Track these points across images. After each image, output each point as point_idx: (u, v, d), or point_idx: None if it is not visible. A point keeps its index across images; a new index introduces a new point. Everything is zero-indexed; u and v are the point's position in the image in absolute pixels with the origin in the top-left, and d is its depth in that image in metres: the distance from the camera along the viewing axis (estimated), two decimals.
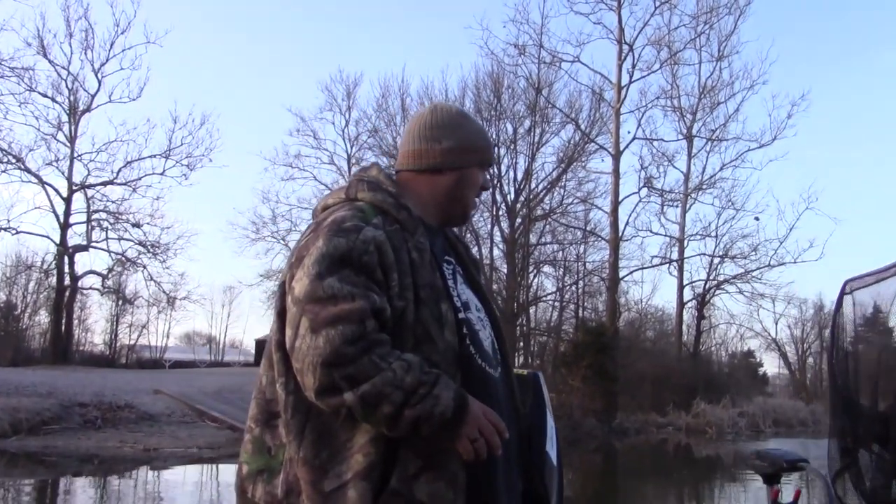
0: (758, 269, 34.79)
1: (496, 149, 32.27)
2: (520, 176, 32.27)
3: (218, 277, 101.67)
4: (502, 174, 32.39)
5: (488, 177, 2.10)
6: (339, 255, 1.71)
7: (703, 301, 37.12)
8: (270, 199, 38.45)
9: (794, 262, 33.52)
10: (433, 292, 1.80)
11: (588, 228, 34.12)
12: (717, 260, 35.69)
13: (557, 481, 2.03)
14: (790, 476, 2.76)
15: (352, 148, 42.37)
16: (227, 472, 13.49)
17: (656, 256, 35.61)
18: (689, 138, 34.77)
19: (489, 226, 32.76)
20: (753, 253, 34.67)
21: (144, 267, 36.78)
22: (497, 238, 32.73)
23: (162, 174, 35.67)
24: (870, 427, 2.56)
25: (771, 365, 66.67)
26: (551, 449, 2.02)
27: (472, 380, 1.81)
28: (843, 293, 2.81)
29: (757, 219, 34.42)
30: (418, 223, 1.87)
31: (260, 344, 47.19)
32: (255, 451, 1.81)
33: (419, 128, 2.03)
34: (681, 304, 36.14)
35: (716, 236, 35.31)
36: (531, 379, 2.11)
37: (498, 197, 32.37)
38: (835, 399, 2.72)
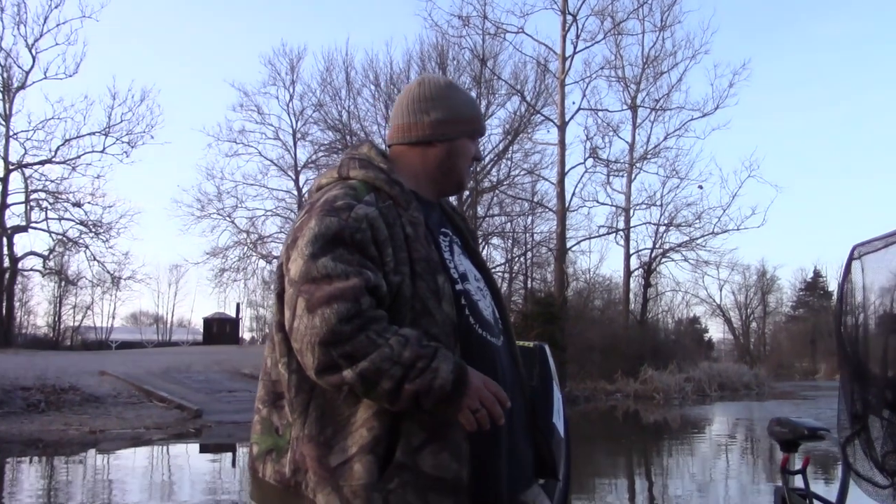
0: (702, 236, 35.45)
1: None
2: None
3: (163, 256, 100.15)
4: None
5: (479, 147, 2.10)
6: (332, 235, 1.72)
7: (649, 269, 37.69)
8: (215, 175, 38.03)
9: (738, 230, 34.24)
10: (429, 266, 1.80)
11: (535, 200, 34.32)
12: (662, 228, 36.31)
13: (565, 452, 2.02)
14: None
15: (297, 122, 41.87)
16: (177, 453, 13.35)
17: (603, 226, 36.09)
18: (634, 108, 35.07)
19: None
20: (698, 221, 35.32)
21: (87, 247, 36.16)
22: None
23: (102, 152, 35.01)
24: (880, 394, 2.57)
25: (716, 330, 68.33)
26: (558, 420, 2.02)
27: (473, 350, 1.82)
28: (850, 258, 2.79)
29: (701, 187, 35.00)
30: (411, 198, 1.88)
31: (208, 322, 46.65)
32: (263, 431, 1.85)
33: (407, 102, 2.04)
34: (627, 272, 36.66)
35: (661, 205, 35.86)
36: (538, 350, 2.11)
37: None
38: (844, 366, 2.72)
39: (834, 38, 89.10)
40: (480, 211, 32.58)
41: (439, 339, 1.74)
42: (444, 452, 1.71)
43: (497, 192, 33.21)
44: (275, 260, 45.69)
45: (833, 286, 74.86)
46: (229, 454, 13.63)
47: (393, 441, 1.70)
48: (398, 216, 1.82)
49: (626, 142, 35.36)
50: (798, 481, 2.58)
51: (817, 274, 75.47)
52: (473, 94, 31.56)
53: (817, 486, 2.58)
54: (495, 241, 35.22)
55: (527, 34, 31.94)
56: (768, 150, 74.18)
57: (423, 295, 1.77)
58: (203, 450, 13.94)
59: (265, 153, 37.92)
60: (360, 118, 33.50)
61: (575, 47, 31.79)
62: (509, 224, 34.96)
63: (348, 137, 32.95)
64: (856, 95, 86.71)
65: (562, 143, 31.47)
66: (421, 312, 1.75)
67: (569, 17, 30.71)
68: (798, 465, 2.56)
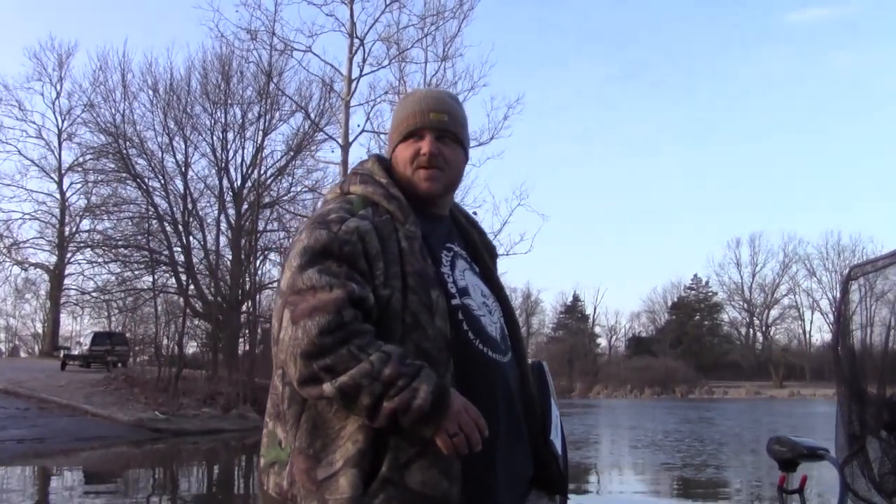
0: None
1: (225, 133, 31.64)
2: (247, 162, 31.90)
3: None
4: (229, 159, 31.86)
5: (428, 141, 1.94)
6: (321, 247, 1.73)
7: None
8: None
9: (507, 254, 35.83)
10: (422, 280, 1.78)
11: None
12: None
13: (563, 469, 2.02)
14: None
15: (63, 122, 39.70)
16: None
17: None
18: None
19: (216, 212, 32.09)
20: None
21: None
22: (224, 225, 32.14)
23: None
24: (878, 414, 2.54)
25: None
26: (556, 438, 2.00)
27: (473, 365, 1.81)
28: (848, 278, 2.74)
29: (475, 213, 36.34)
30: (409, 212, 1.86)
31: None
32: (269, 444, 1.83)
33: None
34: None
35: None
36: (535, 368, 2.08)
37: (225, 183, 31.79)
38: (841, 386, 2.68)
39: (596, 76, 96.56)
40: (260, 226, 32.19)
41: (431, 353, 1.72)
42: (433, 469, 1.68)
43: (277, 207, 32.98)
44: (31, 267, 42.68)
45: (590, 310, 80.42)
46: None
47: (380, 455, 1.68)
48: (394, 230, 1.81)
49: None
50: (795, 501, 2.57)
51: (576, 298, 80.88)
52: (257, 108, 31.24)
53: None
54: (273, 256, 34.95)
55: (314, 54, 32.04)
56: (537, 179, 79.06)
57: (415, 309, 1.75)
58: None
59: (25, 152, 35.56)
60: (135, 122, 32.12)
61: (361, 70, 32.12)
62: (288, 240, 34.76)
63: (121, 141, 31.49)
64: (612, 132, 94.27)
65: (345, 163, 31.71)
66: (412, 326, 1.74)
67: (356, 41, 31.15)
68: (795, 485, 2.54)
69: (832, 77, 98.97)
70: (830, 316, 75.23)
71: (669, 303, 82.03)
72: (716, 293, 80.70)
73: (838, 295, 2.78)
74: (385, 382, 1.62)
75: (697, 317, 79.98)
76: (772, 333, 79.60)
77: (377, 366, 1.62)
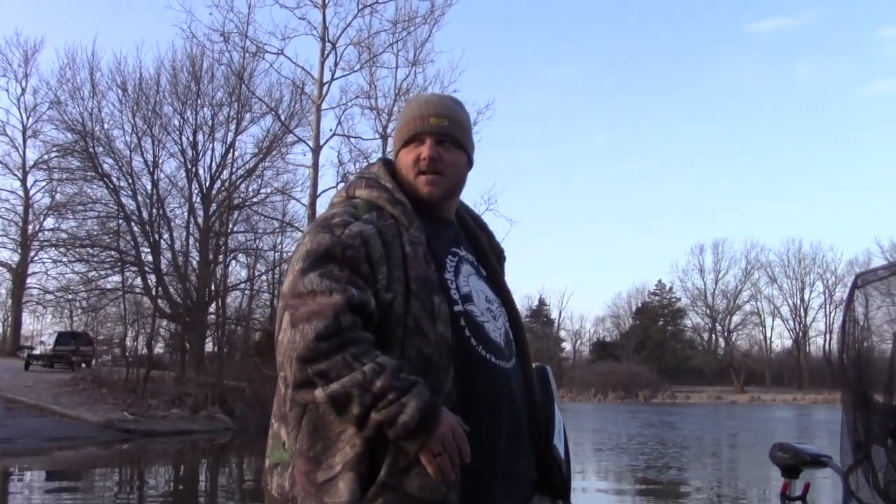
0: None
1: (195, 133, 31.51)
2: (217, 163, 31.83)
3: None
4: (198, 160, 31.74)
5: (428, 145, 1.94)
6: (323, 251, 1.74)
7: None
8: None
9: None
10: (425, 285, 1.78)
11: (286, 220, 34.41)
12: None
13: (565, 473, 2.04)
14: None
15: (28, 119, 39.27)
16: None
17: None
18: (385, 138, 36.16)
19: (185, 213, 31.96)
20: None
21: None
22: (193, 226, 32.01)
23: None
24: (883, 422, 2.53)
25: None
26: (559, 442, 2.01)
27: (474, 371, 1.81)
28: (854, 286, 2.73)
29: None
30: (414, 217, 1.86)
31: None
32: (273, 445, 1.84)
33: None
34: None
35: None
36: (539, 372, 2.08)
37: (194, 184, 31.67)
38: (846, 394, 2.67)
39: (562, 82, 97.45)
40: (229, 227, 32.12)
41: (432, 358, 1.73)
42: (431, 475, 1.68)
43: (246, 208, 32.91)
44: None
45: (555, 314, 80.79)
46: None
47: (379, 460, 1.69)
48: (399, 235, 1.82)
49: None
50: None
51: (542, 302, 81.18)
52: (227, 109, 31.16)
53: None
54: (241, 258, 34.86)
55: (286, 57, 32.17)
56: (505, 184, 79.59)
57: (417, 314, 1.75)
58: None
59: None
60: (102, 121, 31.84)
61: (333, 74, 32.36)
62: (256, 241, 34.70)
63: (88, 140, 31.23)
64: (578, 138, 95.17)
65: (315, 166, 31.89)
66: (414, 331, 1.74)
67: (328, 45, 31.29)
68: (798, 492, 2.51)
69: (794, 86, 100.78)
70: (791, 322, 77.89)
71: (634, 308, 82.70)
72: (679, 299, 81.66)
73: (844, 302, 2.76)
74: (375, 394, 1.63)
75: (661, 322, 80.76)
76: (733, 339, 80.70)
77: (369, 376, 1.63)
